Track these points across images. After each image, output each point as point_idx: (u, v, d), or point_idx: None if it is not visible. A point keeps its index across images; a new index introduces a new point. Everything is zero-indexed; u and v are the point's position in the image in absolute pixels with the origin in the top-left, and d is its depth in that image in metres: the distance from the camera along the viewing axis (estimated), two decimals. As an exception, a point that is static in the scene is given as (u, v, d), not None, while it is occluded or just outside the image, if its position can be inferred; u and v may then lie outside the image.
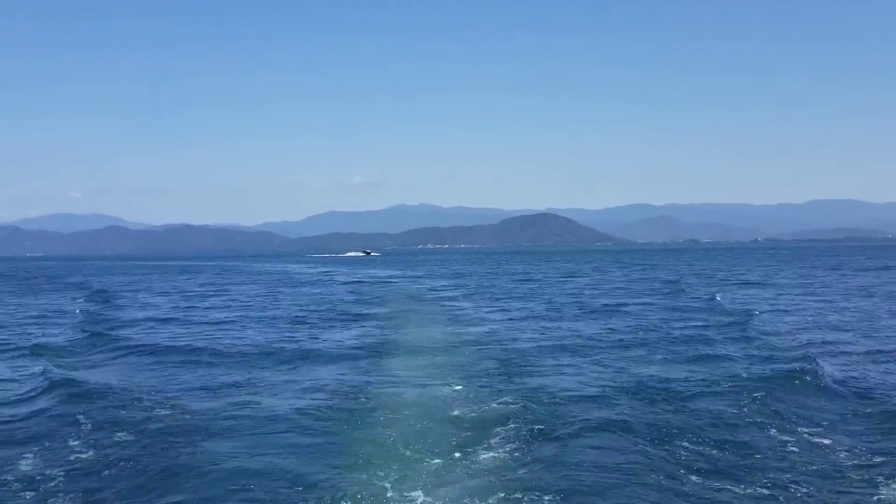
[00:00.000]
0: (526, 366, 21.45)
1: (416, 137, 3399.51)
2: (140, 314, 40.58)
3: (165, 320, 36.88)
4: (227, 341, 27.83)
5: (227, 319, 36.79)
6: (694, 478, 11.69)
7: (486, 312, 38.24)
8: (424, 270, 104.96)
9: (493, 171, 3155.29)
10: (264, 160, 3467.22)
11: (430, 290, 59.22)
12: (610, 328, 30.36)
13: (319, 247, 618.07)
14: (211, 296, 55.51)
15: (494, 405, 16.11)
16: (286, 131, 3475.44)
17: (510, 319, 34.54)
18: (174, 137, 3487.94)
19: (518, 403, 16.01)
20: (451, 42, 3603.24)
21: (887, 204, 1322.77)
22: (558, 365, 21.60)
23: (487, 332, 29.35)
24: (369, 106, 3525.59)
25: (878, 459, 12.68)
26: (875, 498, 10.97)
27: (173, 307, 45.32)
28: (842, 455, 12.94)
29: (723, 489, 11.26)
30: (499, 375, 19.94)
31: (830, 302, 41.36)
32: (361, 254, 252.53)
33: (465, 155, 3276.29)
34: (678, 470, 12.01)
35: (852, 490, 11.30)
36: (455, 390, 18.00)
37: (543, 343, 26.14)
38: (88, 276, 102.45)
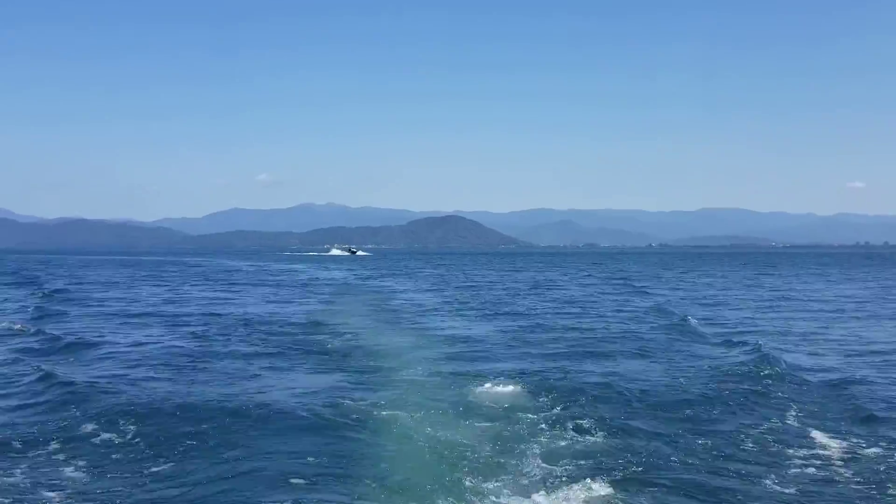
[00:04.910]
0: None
1: (324, 136, 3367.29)
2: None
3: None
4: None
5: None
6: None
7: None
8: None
9: (402, 171, 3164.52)
10: (164, 152, 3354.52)
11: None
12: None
13: (222, 245, 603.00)
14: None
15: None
16: (186, 124, 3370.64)
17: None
18: (70, 125, 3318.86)
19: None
20: (358, 48, 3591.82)
21: (772, 213, 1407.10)
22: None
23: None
24: (277, 105, 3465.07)
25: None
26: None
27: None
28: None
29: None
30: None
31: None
32: (345, 252, 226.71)
33: (374, 155, 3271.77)
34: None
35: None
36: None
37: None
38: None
